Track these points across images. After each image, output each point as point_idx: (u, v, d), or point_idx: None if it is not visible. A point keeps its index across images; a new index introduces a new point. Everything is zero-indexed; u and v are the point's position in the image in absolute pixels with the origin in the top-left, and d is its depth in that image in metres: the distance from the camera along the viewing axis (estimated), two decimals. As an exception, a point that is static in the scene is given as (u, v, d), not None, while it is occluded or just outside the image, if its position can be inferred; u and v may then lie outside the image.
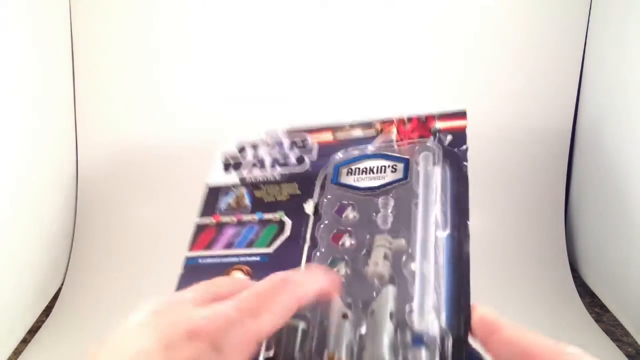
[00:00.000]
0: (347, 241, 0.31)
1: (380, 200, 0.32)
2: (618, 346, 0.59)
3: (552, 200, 0.75)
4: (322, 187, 0.35)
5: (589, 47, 0.71)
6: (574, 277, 0.70)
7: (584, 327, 0.63)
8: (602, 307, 0.67)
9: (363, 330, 0.27)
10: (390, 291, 0.28)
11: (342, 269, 0.30)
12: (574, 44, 0.72)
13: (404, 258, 0.29)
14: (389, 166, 0.34)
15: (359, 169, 0.34)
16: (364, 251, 0.30)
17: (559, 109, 0.74)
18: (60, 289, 0.70)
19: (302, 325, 0.28)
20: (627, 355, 0.58)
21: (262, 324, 0.22)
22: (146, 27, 0.75)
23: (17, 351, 0.60)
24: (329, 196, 0.34)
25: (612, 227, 0.66)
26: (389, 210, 0.32)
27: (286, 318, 0.24)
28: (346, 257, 0.30)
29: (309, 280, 0.26)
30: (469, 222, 0.30)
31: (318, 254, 0.31)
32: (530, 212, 0.75)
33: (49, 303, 0.68)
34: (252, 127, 0.42)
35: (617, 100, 0.64)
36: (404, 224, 0.31)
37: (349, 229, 0.32)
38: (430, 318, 0.26)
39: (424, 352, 0.25)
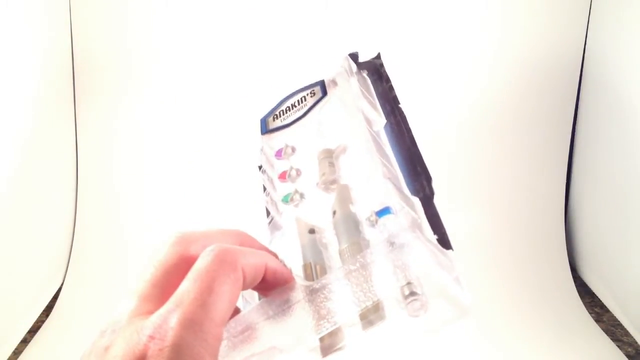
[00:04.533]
0: (293, 172, 0.31)
1: (310, 123, 0.33)
2: (618, 346, 0.59)
3: (552, 200, 0.75)
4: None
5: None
6: (574, 277, 0.70)
7: (584, 327, 0.63)
8: (602, 307, 0.67)
9: (329, 232, 0.26)
10: (343, 188, 0.28)
11: (296, 196, 0.30)
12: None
13: (347, 159, 0.29)
14: (307, 94, 0.34)
15: (282, 110, 0.34)
16: (314, 172, 0.30)
17: (560, 105, 0.74)
18: (60, 289, 0.70)
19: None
20: (627, 355, 0.58)
21: (214, 312, 0.20)
22: (147, 25, 0.75)
23: (17, 351, 0.60)
24: (263, 147, 0.34)
25: (612, 227, 0.66)
26: (321, 127, 0.32)
27: (237, 298, 0.21)
28: (296, 188, 0.30)
29: (255, 253, 0.23)
30: (400, 106, 0.30)
31: (269, 198, 0.31)
32: (530, 212, 0.75)
33: (49, 303, 0.68)
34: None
35: (618, 100, 0.64)
36: (338, 131, 0.31)
37: (295, 162, 0.32)
38: (388, 188, 0.25)
39: (392, 217, 0.24)
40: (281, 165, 0.32)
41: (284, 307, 0.23)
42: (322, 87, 0.34)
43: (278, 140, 0.33)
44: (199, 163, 0.76)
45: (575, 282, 0.70)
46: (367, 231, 0.25)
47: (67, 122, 0.75)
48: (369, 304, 0.21)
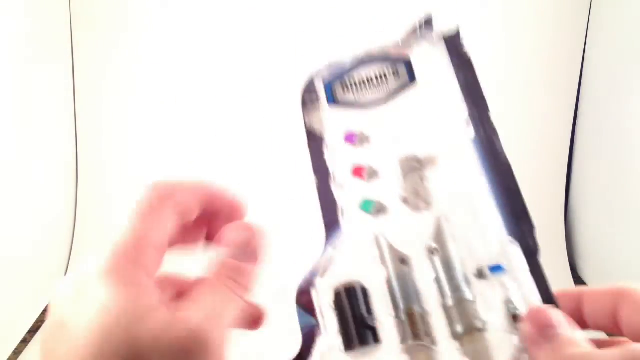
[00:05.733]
0: (372, 171, 0.26)
1: (392, 115, 0.26)
2: (618, 346, 0.59)
3: (552, 200, 0.75)
4: (306, 109, 0.28)
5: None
6: (574, 277, 0.70)
7: (584, 327, 0.63)
8: (602, 307, 0.67)
9: (429, 273, 0.23)
10: (441, 220, 0.24)
11: (380, 211, 0.25)
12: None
13: (439, 176, 0.24)
14: (389, 71, 0.27)
15: (355, 82, 0.27)
16: (395, 179, 0.25)
17: (560, 105, 0.74)
18: (60, 289, 0.70)
19: (359, 284, 0.23)
20: (627, 355, 0.58)
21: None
22: (146, 28, 0.75)
23: (17, 351, 0.60)
24: (330, 122, 0.27)
25: (612, 227, 0.66)
26: (405, 123, 0.26)
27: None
28: (377, 198, 0.25)
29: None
30: (490, 114, 0.25)
31: (342, 194, 0.25)
32: (530, 212, 0.75)
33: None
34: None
35: (618, 100, 0.64)
36: (427, 135, 0.25)
37: (368, 157, 0.26)
38: (496, 239, 0.22)
39: (506, 278, 0.22)
40: (350, 154, 0.26)
41: None
42: (409, 69, 0.26)
43: (346, 120, 0.27)
44: (199, 163, 0.76)
45: (575, 282, 0.70)
46: (472, 281, 0.22)
47: (68, 120, 0.75)
48: None
